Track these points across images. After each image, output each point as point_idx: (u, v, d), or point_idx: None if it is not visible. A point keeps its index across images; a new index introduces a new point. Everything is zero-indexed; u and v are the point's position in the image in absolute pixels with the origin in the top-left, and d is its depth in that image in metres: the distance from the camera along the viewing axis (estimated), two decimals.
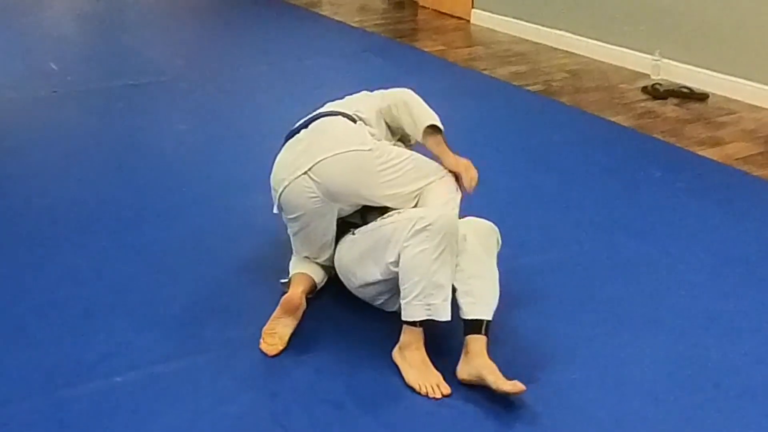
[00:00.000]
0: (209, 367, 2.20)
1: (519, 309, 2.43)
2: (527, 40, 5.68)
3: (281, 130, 4.11)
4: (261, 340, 2.26)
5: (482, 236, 2.28)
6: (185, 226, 3.00)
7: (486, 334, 2.15)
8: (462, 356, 2.14)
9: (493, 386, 2.02)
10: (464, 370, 2.12)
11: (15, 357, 2.25)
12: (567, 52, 5.35)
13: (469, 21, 6.32)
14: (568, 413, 2.03)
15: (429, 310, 2.13)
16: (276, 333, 2.26)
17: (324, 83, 4.72)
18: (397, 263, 2.18)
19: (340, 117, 2.46)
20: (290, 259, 2.54)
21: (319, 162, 2.30)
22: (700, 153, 3.66)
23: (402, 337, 2.18)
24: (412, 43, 5.75)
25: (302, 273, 2.44)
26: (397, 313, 2.28)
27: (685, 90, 4.44)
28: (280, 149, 2.51)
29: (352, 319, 2.42)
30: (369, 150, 2.33)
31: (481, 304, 2.18)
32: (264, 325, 2.29)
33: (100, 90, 4.64)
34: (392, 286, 2.28)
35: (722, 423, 2.00)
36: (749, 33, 4.27)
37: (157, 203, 3.19)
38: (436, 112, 2.53)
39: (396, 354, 2.19)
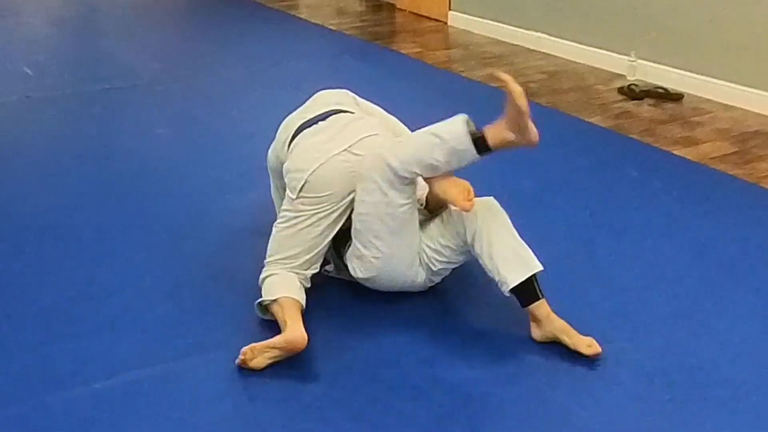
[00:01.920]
0: (188, 373, 2.19)
1: (497, 310, 2.44)
2: (504, 42, 5.71)
3: (259, 132, 4.09)
4: (243, 354, 2.17)
5: (485, 209, 2.36)
6: (163, 231, 2.98)
7: (540, 294, 2.28)
8: (531, 322, 2.32)
9: (571, 347, 2.23)
10: (537, 334, 2.30)
11: None
12: (544, 53, 5.39)
13: (446, 23, 6.34)
14: (549, 413, 2.04)
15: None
16: (255, 363, 2.17)
17: (302, 86, 4.69)
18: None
19: (357, 114, 2.56)
20: (262, 274, 2.42)
21: (361, 139, 2.39)
22: (675, 152, 3.70)
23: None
24: (389, 45, 5.76)
25: (292, 299, 2.29)
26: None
27: (660, 90, 4.48)
28: (289, 140, 2.49)
29: (332, 322, 2.41)
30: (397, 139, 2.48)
31: (515, 266, 2.28)
32: (241, 329, 2.30)
33: (76, 94, 4.60)
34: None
35: (702, 420, 2.01)
36: (722, 34, 4.32)
37: (133, 208, 3.17)
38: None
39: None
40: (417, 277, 2.43)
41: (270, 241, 2.47)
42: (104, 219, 3.07)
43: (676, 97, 4.42)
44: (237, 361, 2.18)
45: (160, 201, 3.24)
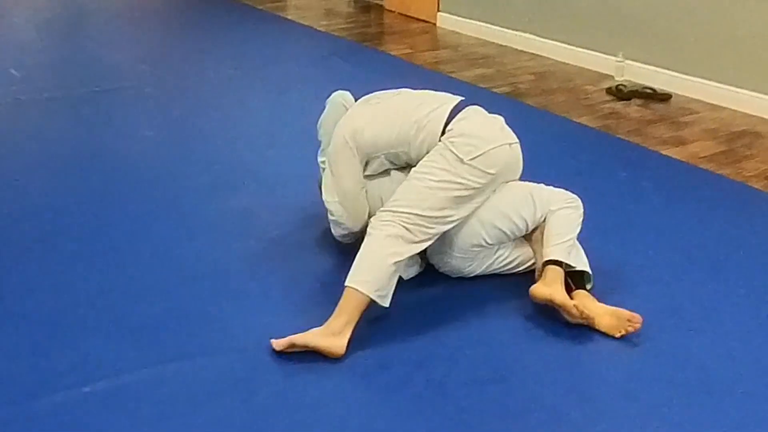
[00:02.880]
0: (180, 375, 2.18)
1: (489, 311, 2.44)
2: (493, 43, 5.73)
3: (249, 134, 4.08)
4: (285, 344, 2.21)
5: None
6: (152, 233, 2.97)
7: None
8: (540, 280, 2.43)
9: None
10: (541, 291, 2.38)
11: None
12: (532, 54, 5.40)
13: (435, 24, 6.35)
14: (541, 412, 2.04)
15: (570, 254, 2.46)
16: (288, 348, 2.21)
17: (291, 87, 4.71)
18: (536, 222, 2.54)
19: None
20: (384, 225, 2.31)
21: (516, 143, 2.56)
22: (664, 152, 3.71)
23: (546, 275, 2.40)
24: (378, 46, 5.76)
25: (362, 297, 2.24)
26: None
27: (648, 90, 4.51)
28: (450, 111, 2.49)
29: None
30: None
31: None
32: (233, 333, 2.30)
33: (64, 97, 4.57)
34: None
35: (691, 418, 2.03)
36: (709, 34, 4.35)
37: (123, 210, 3.15)
38: None
39: (541, 288, 2.37)
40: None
41: (408, 189, 2.37)
42: (92, 221, 3.06)
43: (664, 98, 4.44)
44: (274, 343, 2.21)
45: (148, 203, 3.23)
